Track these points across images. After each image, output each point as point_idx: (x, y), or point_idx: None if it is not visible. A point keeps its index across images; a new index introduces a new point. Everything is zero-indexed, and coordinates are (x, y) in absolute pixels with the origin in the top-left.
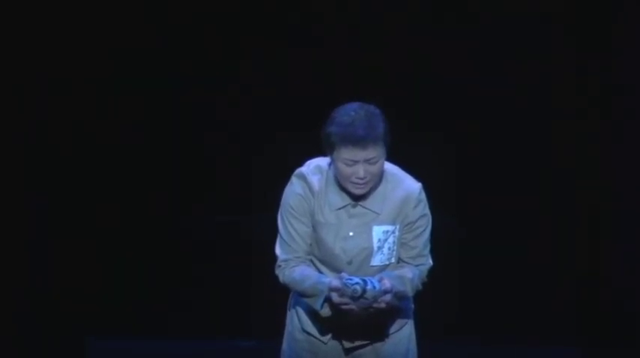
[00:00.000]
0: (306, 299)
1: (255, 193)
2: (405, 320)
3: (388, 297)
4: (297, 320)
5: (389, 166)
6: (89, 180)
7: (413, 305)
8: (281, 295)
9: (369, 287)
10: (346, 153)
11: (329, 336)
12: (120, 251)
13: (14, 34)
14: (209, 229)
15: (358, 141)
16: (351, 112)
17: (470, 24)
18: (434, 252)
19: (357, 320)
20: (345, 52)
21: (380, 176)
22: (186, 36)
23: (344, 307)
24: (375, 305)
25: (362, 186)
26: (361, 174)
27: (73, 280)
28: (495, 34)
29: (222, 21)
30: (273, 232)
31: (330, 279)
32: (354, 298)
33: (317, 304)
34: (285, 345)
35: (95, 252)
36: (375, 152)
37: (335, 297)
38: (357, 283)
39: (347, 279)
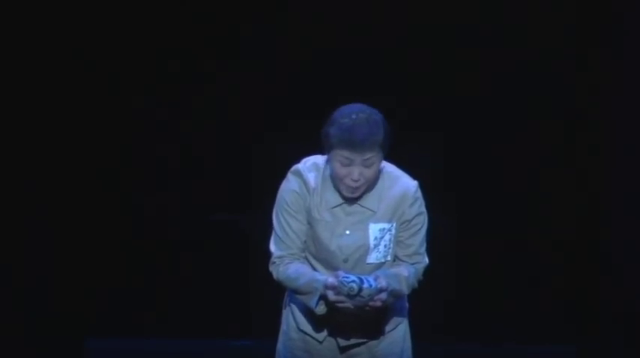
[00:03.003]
0: (300, 297)
1: (253, 192)
2: (400, 319)
3: (384, 296)
4: (292, 319)
5: (385, 164)
6: (88, 180)
7: (408, 305)
8: (279, 294)
9: (365, 285)
10: (342, 153)
11: (324, 335)
12: (119, 251)
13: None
14: (208, 228)
15: (356, 145)
16: (352, 115)
17: (467, 25)
18: (431, 251)
19: (352, 318)
20: (342, 52)
21: (374, 181)
22: (180, 32)
23: (340, 305)
24: (370, 303)
25: (354, 189)
26: (355, 175)
27: (73, 280)
28: (493, 35)
29: (217, 16)
30: (271, 231)
31: (326, 277)
32: (350, 296)
33: (312, 302)
34: (280, 344)
35: (95, 251)
36: (372, 154)
37: (331, 295)
38: (353, 281)
39: (343, 277)
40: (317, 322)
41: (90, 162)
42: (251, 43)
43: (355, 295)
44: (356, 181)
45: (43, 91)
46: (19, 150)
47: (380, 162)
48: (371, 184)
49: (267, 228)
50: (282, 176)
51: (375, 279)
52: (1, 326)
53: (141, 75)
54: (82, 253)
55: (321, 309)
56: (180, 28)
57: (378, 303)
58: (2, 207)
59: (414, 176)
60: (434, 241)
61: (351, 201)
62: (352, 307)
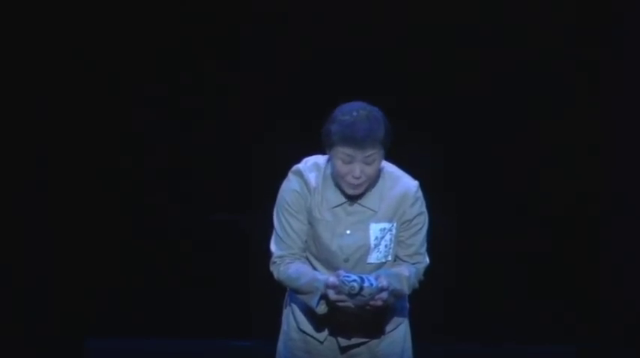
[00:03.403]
0: (301, 297)
1: (253, 192)
2: (400, 320)
3: (385, 295)
4: (292, 319)
5: (386, 164)
6: (89, 181)
7: (408, 305)
8: (279, 294)
9: (366, 284)
10: (344, 150)
11: (325, 335)
12: (119, 251)
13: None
14: (208, 228)
15: (357, 142)
16: (353, 112)
17: (467, 25)
18: (431, 251)
19: (353, 318)
20: (341, 52)
21: (375, 178)
22: (180, 32)
23: (340, 304)
24: (371, 302)
25: (356, 186)
26: (357, 173)
27: (73, 280)
28: (493, 35)
29: (217, 16)
30: (271, 231)
31: (327, 276)
32: (351, 295)
33: (313, 301)
34: (280, 345)
35: (95, 251)
36: (373, 151)
37: (332, 294)
38: (354, 280)
39: (344, 276)
40: (318, 322)
41: (90, 162)
42: (251, 43)
43: (356, 294)
44: (357, 178)
45: (43, 91)
46: (19, 150)
47: (381, 159)
48: (372, 182)
49: (267, 228)
50: (282, 176)
51: (376, 279)
52: (1, 326)
53: (141, 75)
54: (82, 253)
55: (322, 309)
56: (180, 28)
57: (379, 303)
58: (2, 207)
59: (414, 176)
60: (434, 241)
61: (351, 200)
62: (353, 306)
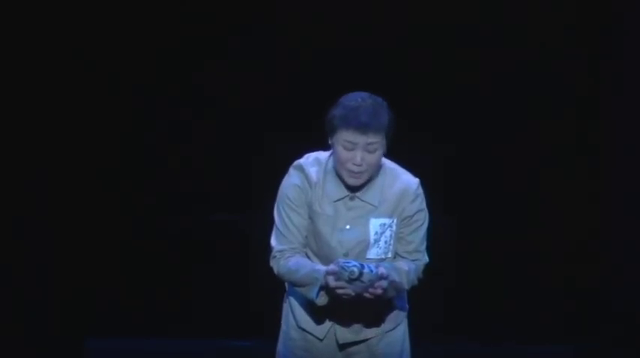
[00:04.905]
0: (301, 290)
1: (253, 192)
2: (399, 319)
3: (384, 283)
4: (292, 318)
5: (387, 161)
6: (88, 180)
7: (407, 305)
8: (279, 294)
9: (365, 270)
10: (347, 136)
11: (324, 331)
12: (119, 251)
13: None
14: (208, 229)
15: (360, 125)
16: (358, 99)
17: (467, 25)
18: (431, 250)
19: (352, 309)
20: (342, 52)
21: (377, 168)
22: (180, 32)
23: (340, 291)
24: (370, 290)
25: (357, 174)
26: (358, 160)
27: (72, 280)
28: (493, 35)
29: (217, 16)
30: (271, 229)
31: (327, 267)
32: (351, 280)
33: (312, 293)
34: (280, 344)
35: (95, 251)
36: (376, 139)
37: (331, 281)
38: (354, 265)
39: (344, 262)
40: (317, 318)
41: (90, 162)
42: (251, 43)
43: (355, 279)
44: (359, 166)
45: (43, 91)
46: (19, 150)
47: (383, 149)
48: (373, 173)
49: (267, 228)
50: (282, 176)
51: (376, 267)
52: (1, 326)
53: (141, 75)
54: (82, 253)
55: (321, 300)
56: (180, 28)
57: (379, 291)
58: (2, 207)
59: (414, 175)
60: (434, 240)
61: (352, 192)
62: (353, 293)
